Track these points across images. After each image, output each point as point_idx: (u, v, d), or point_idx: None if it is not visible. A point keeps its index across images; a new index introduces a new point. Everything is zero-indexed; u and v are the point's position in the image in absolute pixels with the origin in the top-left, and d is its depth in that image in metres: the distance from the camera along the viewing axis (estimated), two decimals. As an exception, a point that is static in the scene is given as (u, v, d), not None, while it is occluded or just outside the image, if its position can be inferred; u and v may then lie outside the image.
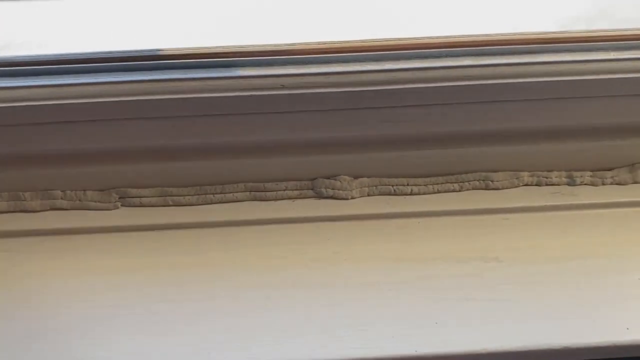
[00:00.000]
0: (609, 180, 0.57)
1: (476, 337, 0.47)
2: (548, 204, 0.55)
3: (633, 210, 0.56)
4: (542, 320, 0.48)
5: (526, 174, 0.56)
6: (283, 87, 0.46)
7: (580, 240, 0.54)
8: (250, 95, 0.46)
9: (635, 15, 0.58)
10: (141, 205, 0.55)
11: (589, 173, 0.56)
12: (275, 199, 0.55)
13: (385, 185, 0.56)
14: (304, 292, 0.50)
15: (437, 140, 0.54)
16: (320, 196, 0.55)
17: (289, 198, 0.55)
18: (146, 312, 0.49)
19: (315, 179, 0.55)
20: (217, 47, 0.46)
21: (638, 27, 0.48)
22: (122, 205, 0.55)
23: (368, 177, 0.55)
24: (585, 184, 0.57)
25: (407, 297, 0.49)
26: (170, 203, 0.54)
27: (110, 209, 0.54)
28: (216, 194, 0.54)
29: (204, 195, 0.54)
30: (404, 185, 0.56)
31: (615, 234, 0.54)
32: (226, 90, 0.46)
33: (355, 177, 0.55)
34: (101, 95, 0.48)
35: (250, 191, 0.55)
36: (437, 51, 0.46)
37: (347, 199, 0.55)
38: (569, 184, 0.57)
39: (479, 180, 0.56)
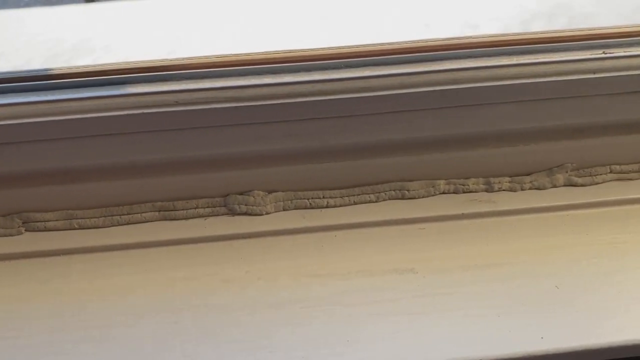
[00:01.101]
0: (527, 186, 0.56)
1: (387, 353, 0.46)
2: (465, 211, 0.54)
3: (552, 215, 0.55)
4: (456, 333, 0.47)
5: (442, 182, 0.55)
6: (177, 103, 0.44)
7: (498, 247, 0.53)
8: (142, 113, 0.44)
9: (592, 9, 0.58)
10: (46, 229, 0.52)
11: (507, 179, 0.56)
12: (186, 218, 0.53)
13: (301, 199, 0.54)
14: (213, 315, 0.48)
15: (348, 152, 0.52)
16: (233, 213, 0.54)
17: (201, 216, 0.53)
18: (48, 342, 0.47)
19: (227, 195, 0.53)
20: (108, 64, 0.44)
21: (545, 30, 0.47)
22: (26, 231, 0.52)
23: (283, 191, 0.54)
24: (503, 190, 0.56)
25: (319, 315, 0.48)
26: (76, 226, 0.52)
27: (14, 235, 0.52)
28: (123, 215, 0.52)
29: (110, 217, 0.52)
30: (319, 198, 0.54)
31: (533, 240, 0.53)
32: (117, 109, 0.44)
33: (270, 192, 0.54)
34: (-10, 118, 0.46)
35: (159, 211, 0.53)
36: (336, 62, 0.45)
37: (261, 214, 0.54)
38: (487, 191, 0.56)
39: (395, 190, 0.55)
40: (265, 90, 0.45)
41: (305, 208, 0.54)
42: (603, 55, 0.46)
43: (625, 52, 0.46)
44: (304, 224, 0.54)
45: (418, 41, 0.46)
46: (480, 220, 0.54)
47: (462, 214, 0.54)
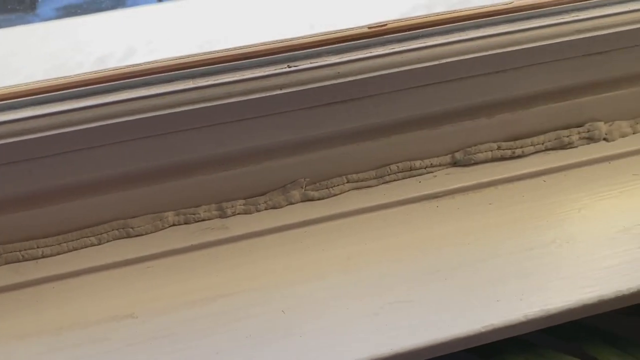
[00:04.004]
0: (262, 206, 0.53)
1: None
2: (196, 242, 0.51)
3: (289, 233, 0.52)
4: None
5: (171, 213, 0.52)
6: None
7: (229, 276, 0.50)
8: None
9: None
10: None
11: (242, 201, 0.53)
12: None
13: (11, 252, 0.49)
14: None
15: (56, 194, 0.48)
16: None
17: None
18: None
19: None
20: None
21: (228, 47, 0.45)
22: None
23: (-11, 246, 0.49)
24: (238, 214, 0.53)
25: (19, 381, 0.44)
26: None
27: None
28: None
29: None
30: (33, 248, 0.50)
31: (268, 263, 0.51)
32: None
33: (-27, 249, 0.49)
34: None
35: None
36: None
37: (-35, 275, 0.49)
38: (220, 217, 0.53)
39: (119, 229, 0.51)
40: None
41: (18, 261, 0.49)
42: (287, 69, 0.44)
43: (310, 63, 0.45)
44: (17, 279, 0.49)
45: (93, 72, 0.42)
46: (212, 249, 0.51)
47: (192, 245, 0.51)
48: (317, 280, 0.49)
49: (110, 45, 0.54)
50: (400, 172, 0.56)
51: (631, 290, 0.48)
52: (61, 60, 0.52)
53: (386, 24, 0.47)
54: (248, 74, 0.44)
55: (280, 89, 0.44)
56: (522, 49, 0.48)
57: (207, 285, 0.49)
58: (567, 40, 0.49)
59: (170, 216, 0.52)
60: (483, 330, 0.46)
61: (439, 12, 0.48)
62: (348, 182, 0.55)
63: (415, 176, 0.56)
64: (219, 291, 0.48)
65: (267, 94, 0.44)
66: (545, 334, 0.51)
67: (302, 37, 0.45)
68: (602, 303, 0.47)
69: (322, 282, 0.49)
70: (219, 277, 0.49)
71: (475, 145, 0.56)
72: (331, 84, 0.45)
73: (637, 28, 0.50)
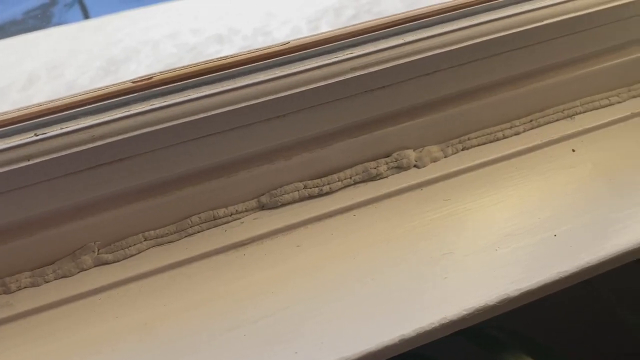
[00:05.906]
0: (51, 276, 0.50)
1: None
2: (-27, 325, 0.48)
3: (82, 303, 0.49)
4: None
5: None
6: None
7: (14, 356, 0.46)
8: None
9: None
10: None
11: (27, 274, 0.49)
12: None
13: None
14: None
15: None
16: None
17: None
18: None
19: None
20: None
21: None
22: None
23: None
24: (25, 288, 0.49)
25: None
26: None
27: None
28: None
29: None
30: None
31: (55, 338, 0.47)
32: None
33: None
34: None
35: None
36: None
37: None
38: (5, 293, 0.49)
39: None
40: None
41: None
42: (35, 138, 0.41)
43: (61, 129, 0.42)
44: None
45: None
46: (-3, 329, 0.48)
47: (-30, 329, 0.48)
48: (107, 353, 0.46)
49: (14, 74, 0.50)
50: (204, 222, 0.53)
51: (433, 326, 0.47)
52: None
53: (152, 77, 0.45)
54: (-8, 145, 0.41)
55: (29, 160, 0.41)
56: (297, 92, 0.47)
57: (-14, 372, 0.45)
58: (343, 80, 0.48)
59: (-56, 299, 0.48)
60: (278, 387, 0.44)
61: (208, 60, 0.46)
62: (146, 239, 0.52)
63: (220, 225, 0.54)
64: (-1, 377, 0.45)
65: (14, 167, 0.41)
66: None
67: (56, 100, 0.42)
68: (403, 343, 0.46)
69: (113, 354, 0.46)
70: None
71: (281, 186, 0.55)
72: (87, 148, 0.42)
73: (414, 60, 0.50)
